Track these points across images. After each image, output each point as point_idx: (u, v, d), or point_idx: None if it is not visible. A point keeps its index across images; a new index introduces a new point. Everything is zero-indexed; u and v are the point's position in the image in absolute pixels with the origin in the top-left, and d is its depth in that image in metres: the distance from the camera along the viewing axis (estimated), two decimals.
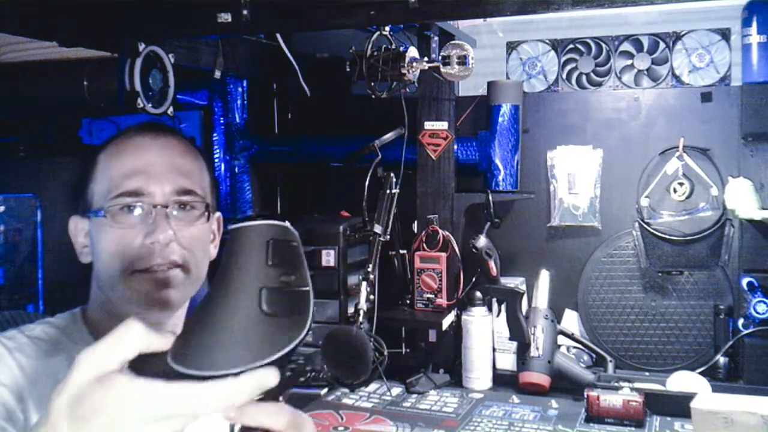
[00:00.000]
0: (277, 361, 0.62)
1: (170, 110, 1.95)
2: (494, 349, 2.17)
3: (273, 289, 0.64)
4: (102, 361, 0.61)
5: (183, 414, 0.58)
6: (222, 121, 2.48)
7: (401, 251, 2.23)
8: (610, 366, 2.10)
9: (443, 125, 2.23)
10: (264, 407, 0.64)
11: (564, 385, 2.02)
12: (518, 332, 2.07)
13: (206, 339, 0.62)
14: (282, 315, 0.63)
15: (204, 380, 0.59)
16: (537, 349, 2.04)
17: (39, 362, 0.98)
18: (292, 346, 0.63)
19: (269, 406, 0.65)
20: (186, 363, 0.61)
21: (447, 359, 2.20)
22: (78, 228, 1.08)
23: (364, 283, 1.92)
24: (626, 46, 2.33)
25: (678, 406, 1.77)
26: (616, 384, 1.92)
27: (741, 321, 2.11)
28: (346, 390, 2.03)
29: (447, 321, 2.14)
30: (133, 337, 0.62)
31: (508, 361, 2.19)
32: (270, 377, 0.61)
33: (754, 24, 2.08)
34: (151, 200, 1.01)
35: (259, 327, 0.63)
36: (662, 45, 2.30)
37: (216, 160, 2.49)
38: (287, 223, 0.67)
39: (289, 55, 2.35)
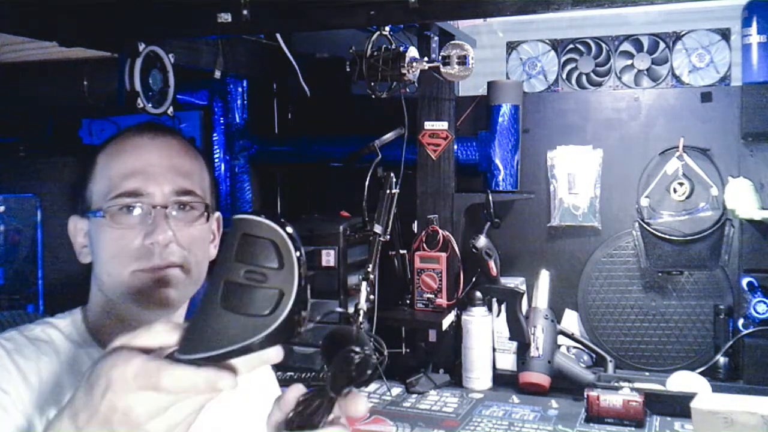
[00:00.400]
0: (221, 356, 0.62)
1: (170, 110, 1.95)
2: (494, 349, 2.17)
3: (234, 284, 0.63)
4: (125, 343, 0.67)
5: (155, 389, 0.62)
6: (222, 121, 2.48)
7: (401, 251, 2.23)
8: (610, 366, 2.10)
9: (443, 125, 2.23)
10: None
11: (564, 385, 2.02)
12: (518, 332, 2.07)
13: (186, 328, 0.65)
14: (239, 311, 0.62)
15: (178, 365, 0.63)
16: (537, 349, 2.04)
17: (39, 364, 0.98)
18: (235, 346, 0.61)
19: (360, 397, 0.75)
20: (177, 349, 0.64)
21: (447, 359, 2.20)
22: (77, 228, 1.07)
23: (364, 283, 1.92)
24: (626, 46, 2.33)
25: (678, 406, 1.77)
26: (616, 384, 1.92)
27: (741, 321, 2.11)
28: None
29: (447, 321, 2.14)
30: (158, 331, 0.67)
31: (508, 361, 2.19)
32: (224, 377, 0.63)
33: (754, 24, 2.08)
34: (150, 201, 1.01)
35: (216, 320, 0.62)
36: (662, 45, 2.30)
37: (216, 160, 2.49)
38: (261, 218, 0.64)
39: (289, 55, 2.35)
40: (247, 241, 0.63)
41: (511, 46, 2.46)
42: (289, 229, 0.64)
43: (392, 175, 2.09)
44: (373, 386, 2.08)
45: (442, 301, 2.18)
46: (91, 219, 1.03)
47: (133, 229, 1.00)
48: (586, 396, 1.82)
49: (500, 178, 2.28)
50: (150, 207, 1.01)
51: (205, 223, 1.06)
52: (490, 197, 2.19)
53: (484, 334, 2.13)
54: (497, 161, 2.27)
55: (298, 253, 0.64)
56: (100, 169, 1.04)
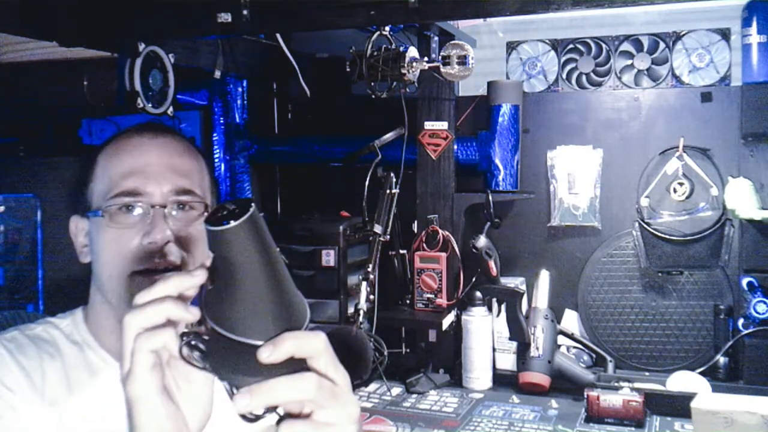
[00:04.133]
0: None
1: (170, 110, 1.95)
2: (494, 349, 2.17)
3: None
4: None
5: None
6: (222, 121, 2.48)
7: (401, 251, 2.23)
8: (610, 366, 2.10)
9: (443, 125, 2.23)
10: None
11: (564, 385, 2.02)
12: (518, 332, 2.07)
13: None
14: None
15: None
16: (537, 349, 2.04)
17: (41, 363, 0.98)
18: None
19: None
20: None
21: (447, 359, 2.20)
22: (78, 228, 1.08)
23: (364, 283, 1.92)
24: (626, 46, 2.33)
25: (678, 406, 1.77)
26: (616, 384, 1.93)
27: (741, 321, 2.11)
28: None
29: (447, 321, 2.14)
30: None
31: (508, 361, 2.19)
32: None
33: (754, 24, 2.08)
34: (149, 200, 1.01)
35: None
36: (662, 45, 2.30)
37: (216, 160, 2.49)
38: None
39: (289, 55, 2.34)
40: None
41: (511, 46, 2.46)
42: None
43: (392, 175, 2.09)
44: (373, 386, 2.08)
45: (442, 301, 2.18)
46: (91, 219, 1.03)
47: (131, 229, 1.00)
48: (586, 396, 1.82)
49: (500, 178, 2.28)
50: (149, 206, 1.00)
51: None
52: (490, 197, 2.18)
53: (484, 334, 2.13)
54: (497, 161, 2.27)
55: None
56: (100, 169, 1.05)
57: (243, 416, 0.67)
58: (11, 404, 0.92)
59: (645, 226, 2.23)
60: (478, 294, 2.14)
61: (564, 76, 2.39)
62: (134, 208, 1.01)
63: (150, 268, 1.00)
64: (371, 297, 1.94)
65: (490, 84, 2.31)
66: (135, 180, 1.01)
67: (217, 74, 2.21)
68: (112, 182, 1.01)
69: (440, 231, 2.20)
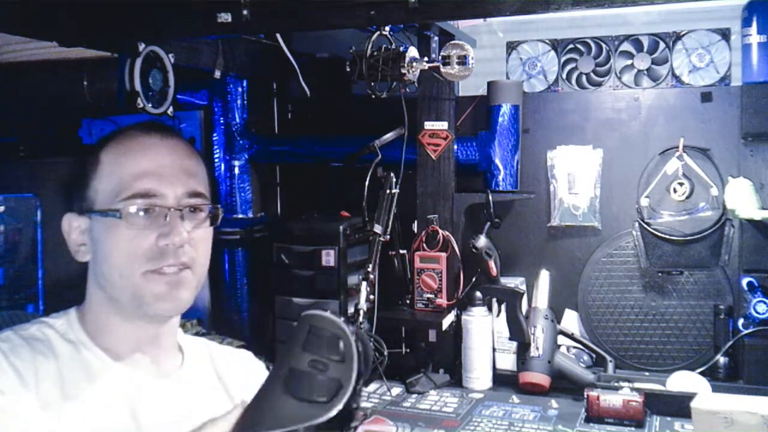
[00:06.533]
0: None
1: (170, 110, 1.95)
2: (494, 349, 2.17)
3: (298, 371, 0.69)
4: None
5: None
6: (222, 121, 2.48)
7: (401, 251, 2.23)
8: (610, 366, 2.10)
9: (443, 125, 2.23)
10: None
11: (564, 385, 2.02)
12: (518, 332, 2.07)
13: (247, 407, 0.74)
14: (299, 396, 0.68)
15: None
16: (537, 349, 2.04)
17: (35, 363, 0.97)
18: (291, 427, 0.68)
19: None
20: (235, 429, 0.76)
21: (447, 359, 2.20)
22: (72, 226, 1.07)
23: (364, 283, 1.92)
24: (626, 46, 2.33)
25: (678, 406, 1.77)
26: (616, 384, 1.92)
27: (741, 321, 2.11)
28: None
29: (447, 321, 2.14)
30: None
31: (508, 361, 2.19)
32: None
33: (754, 24, 2.08)
34: (164, 202, 1.02)
35: (276, 402, 0.69)
36: (662, 45, 2.30)
37: (216, 160, 2.49)
38: (328, 314, 0.71)
39: (289, 55, 2.35)
40: (315, 334, 0.71)
41: (511, 46, 2.46)
42: (353, 327, 0.73)
43: (392, 175, 2.09)
44: (373, 386, 2.08)
45: (442, 301, 2.18)
46: (96, 218, 1.03)
47: (145, 230, 1.01)
48: (586, 396, 1.82)
49: (500, 178, 2.28)
50: (164, 208, 1.01)
51: (209, 225, 1.07)
52: (490, 197, 2.19)
53: (484, 334, 2.13)
54: (497, 161, 2.27)
55: (359, 349, 0.72)
56: (106, 167, 1.04)
57: None
58: (2, 407, 0.91)
59: (645, 226, 2.23)
60: (478, 294, 2.14)
61: (564, 76, 2.39)
62: (149, 210, 1.01)
63: (163, 268, 1.01)
64: (371, 297, 1.94)
65: (490, 84, 2.31)
66: (149, 181, 1.01)
67: (217, 74, 2.21)
68: (124, 183, 1.02)
69: (440, 231, 2.20)
